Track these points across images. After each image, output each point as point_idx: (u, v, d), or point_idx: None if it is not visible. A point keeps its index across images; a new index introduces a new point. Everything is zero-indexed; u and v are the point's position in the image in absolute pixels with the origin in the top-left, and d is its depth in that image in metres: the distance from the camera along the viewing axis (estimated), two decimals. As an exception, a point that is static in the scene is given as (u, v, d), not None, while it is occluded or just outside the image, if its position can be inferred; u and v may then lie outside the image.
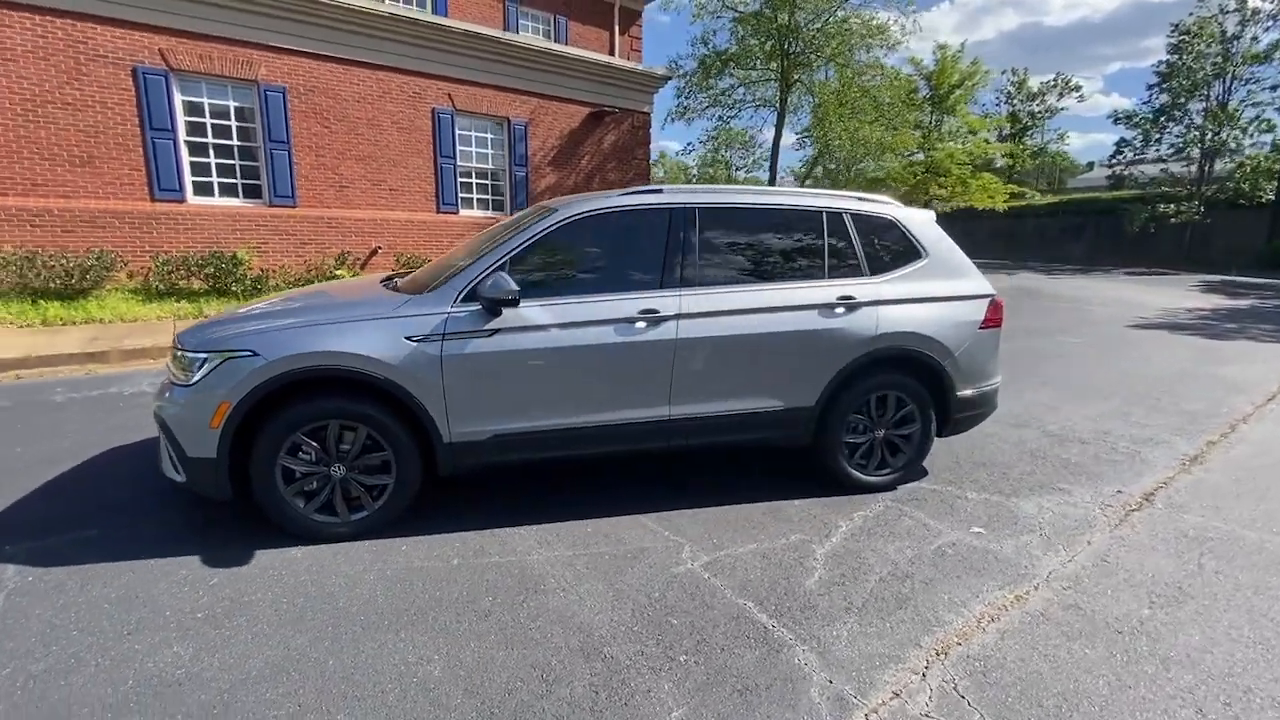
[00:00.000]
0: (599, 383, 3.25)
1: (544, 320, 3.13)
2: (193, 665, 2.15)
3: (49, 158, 8.57)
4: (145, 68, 8.98)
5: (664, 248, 3.40)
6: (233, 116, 9.87)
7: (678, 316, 3.30)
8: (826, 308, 3.51)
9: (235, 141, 9.93)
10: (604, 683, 2.12)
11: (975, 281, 3.90)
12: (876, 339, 3.58)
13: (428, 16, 11.24)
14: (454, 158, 11.86)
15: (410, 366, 2.96)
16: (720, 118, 23.60)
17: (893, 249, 3.83)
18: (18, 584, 2.61)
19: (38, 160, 8.51)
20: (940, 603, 2.62)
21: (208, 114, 9.68)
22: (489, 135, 12.40)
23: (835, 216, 3.70)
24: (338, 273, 10.15)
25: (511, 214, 12.34)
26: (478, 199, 12.54)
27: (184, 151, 9.52)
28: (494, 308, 3.04)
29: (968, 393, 3.83)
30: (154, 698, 2.00)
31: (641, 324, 3.24)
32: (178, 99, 9.36)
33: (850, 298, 3.57)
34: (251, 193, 10.20)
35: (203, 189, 9.82)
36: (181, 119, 9.44)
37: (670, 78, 15.48)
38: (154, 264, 8.86)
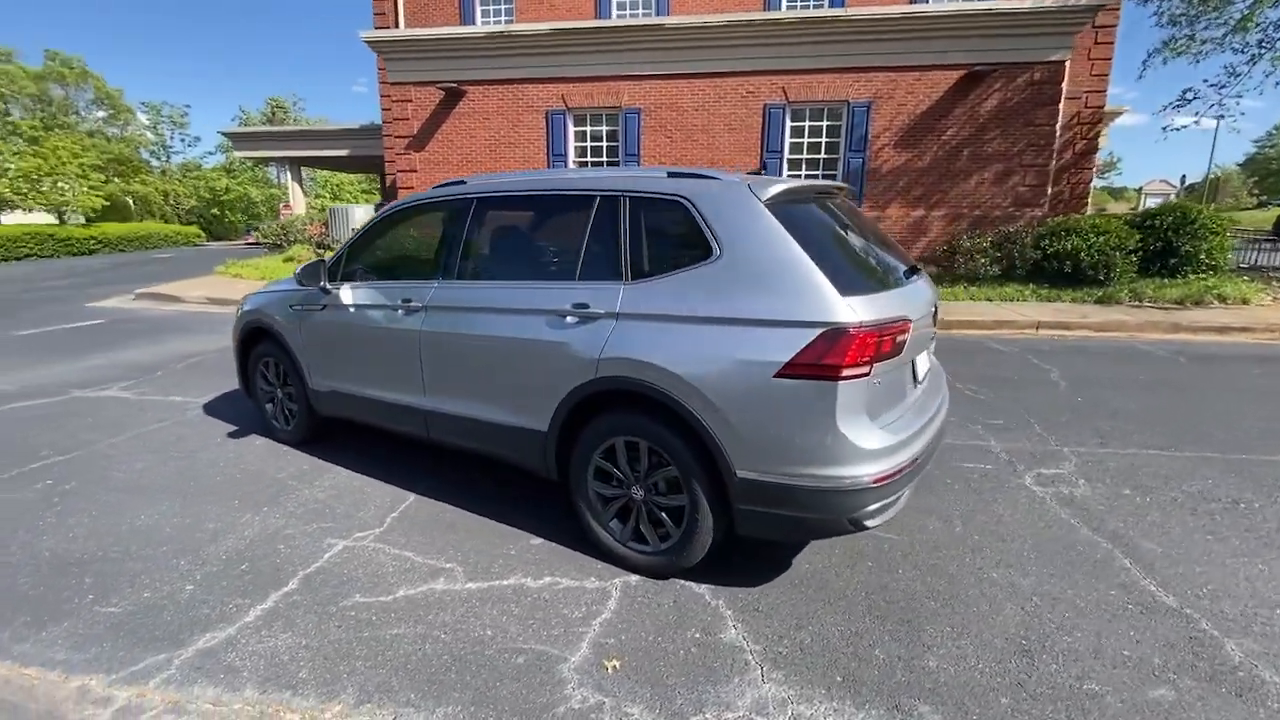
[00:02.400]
0: (374, 363, 3.55)
1: (347, 301, 3.64)
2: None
3: (499, 181, 12.92)
4: (552, 110, 12.38)
5: (442, 239, 3.36)
6: (604, 139, 12.55)
7: (425, 309, 3.26)
8: (557, 316, 2.76)
9: (604, 159, 12.61)
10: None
11: (794, 301, 2.26)
12: (600, 364, 2.61)
13: (760, 15, 11.41)
14: (781, 151, 11.78)
15: (289, 327, 3.99)
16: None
17: (676, 243, 2.61)
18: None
19: (493, 183, 12.95)
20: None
21: (589, 139, 12.60)
22: (823, 123, 11.72)
23: (610, 201, 2.78)
24: None
25: None
26: (806, 191, 12.09)
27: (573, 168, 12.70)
28: (324, 288, 3.74)
29: (752, 476, 2.33)
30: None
31: (400, 312, 3.36)
32: (571, 130, 12.53)
33: (585, 306, 2.69)
34: (613, 197, 12.75)
35: (582, 196, 12.91)
36: (573, 144, 12.61)
37: (1102, 5, 10.67)
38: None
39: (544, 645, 2.28)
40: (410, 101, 12.85)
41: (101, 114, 29.20)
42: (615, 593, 2.59)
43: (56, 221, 25.95)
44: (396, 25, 14.90)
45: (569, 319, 2.72)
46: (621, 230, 2.70)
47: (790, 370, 2.22)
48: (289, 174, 22.71)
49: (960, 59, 10.90)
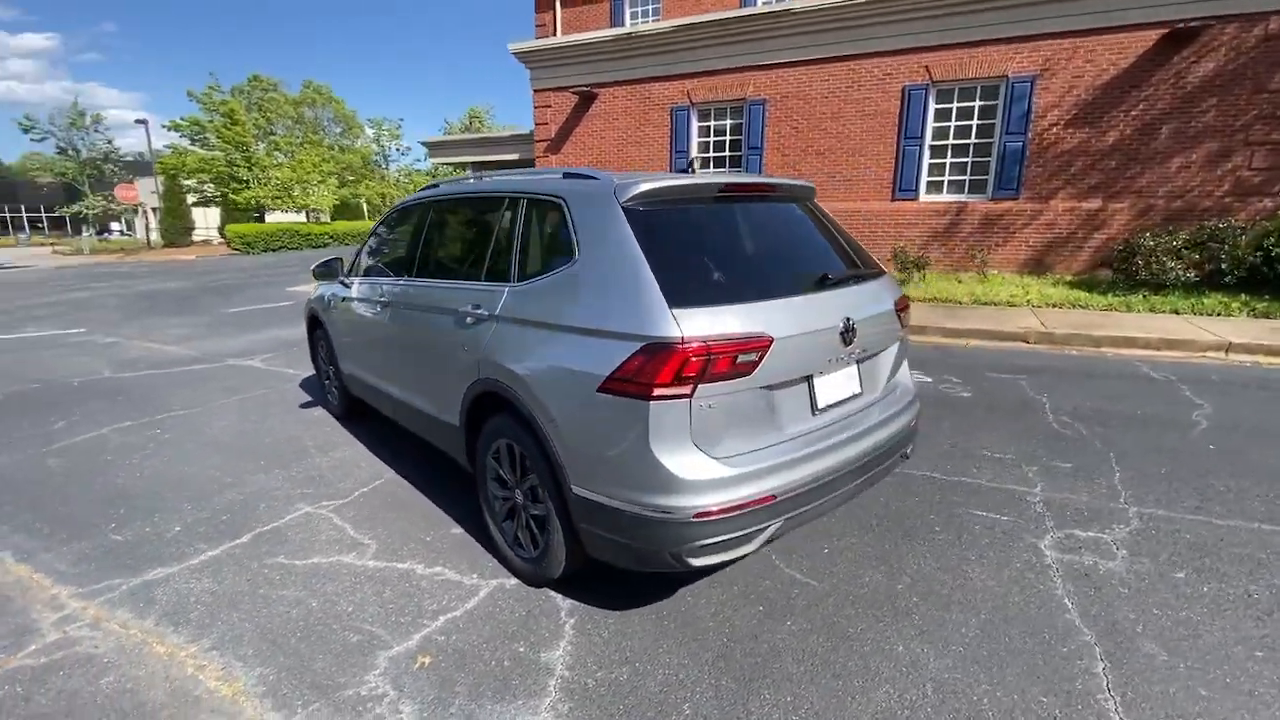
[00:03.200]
0: (368, 350, 3.91)
1: (352, 295, 4.04)
2: None
3: (624, 179, 13.26)
4: (677, 106, 12.38)
5: (409, 239, 3.59)
6: (728, 132, 12.25)
7: (390, 304, 3.51)
8: (460, 315, 2.81)
9: (727, 153, 12.33)
10: (155, 513, 3.38)
11: (623, 310, 2.04)
12: (480, 365, 2.61)
13: (901, -13, 10.24)
14: (920, 137, 10.53)
15: (328, 316, 4.55)
16: None
17: (551, 246, 2.50)
18: (284, 387, 5.86)
19: (619, 181, 13.31)
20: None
21: (712, 133, 12.40)
22: (974, 103, 10.24)
23: (513, 203, 2.75)
24: None
25: (993, 194, 10.08)
26: (950, 181, 10.70)
27: (694, 166, 12.59)
28: (344, 282, 4.20)
29: (586, 495, 2.17)
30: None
31: (378, 305, 3.66)
32: (695, 125, 12.43)
33: (479, 306, 2.70)
34: (734, 192, 12.43)
35: (704, 192, 12.77)
36: (695, 140, 12.51)
37: None
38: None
39: (382, 630, 2.38)
40: (550, 107, 13.69)
41: (339, 130, 35.78)
42: (483, 593, 2.61)
43: (303, 220, 32.16)
44: (555, 34, 15.94)
45: (468, 319, 2.77)
46: (515, 232, 2.69)
47: (609, 385, 2.05)
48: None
49: (1166, 15, 8.84)
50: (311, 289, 5.23)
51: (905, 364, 2.98)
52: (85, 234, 34.17)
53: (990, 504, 3.26)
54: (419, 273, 3.39)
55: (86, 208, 36.47)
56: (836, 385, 2.45)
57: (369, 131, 37.52)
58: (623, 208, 2.24)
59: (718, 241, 2.41)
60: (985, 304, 8.85)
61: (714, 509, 2.01)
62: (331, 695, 2.06)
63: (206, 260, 24.15)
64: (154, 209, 32.94)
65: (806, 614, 2.41)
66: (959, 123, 10.41)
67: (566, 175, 2.64)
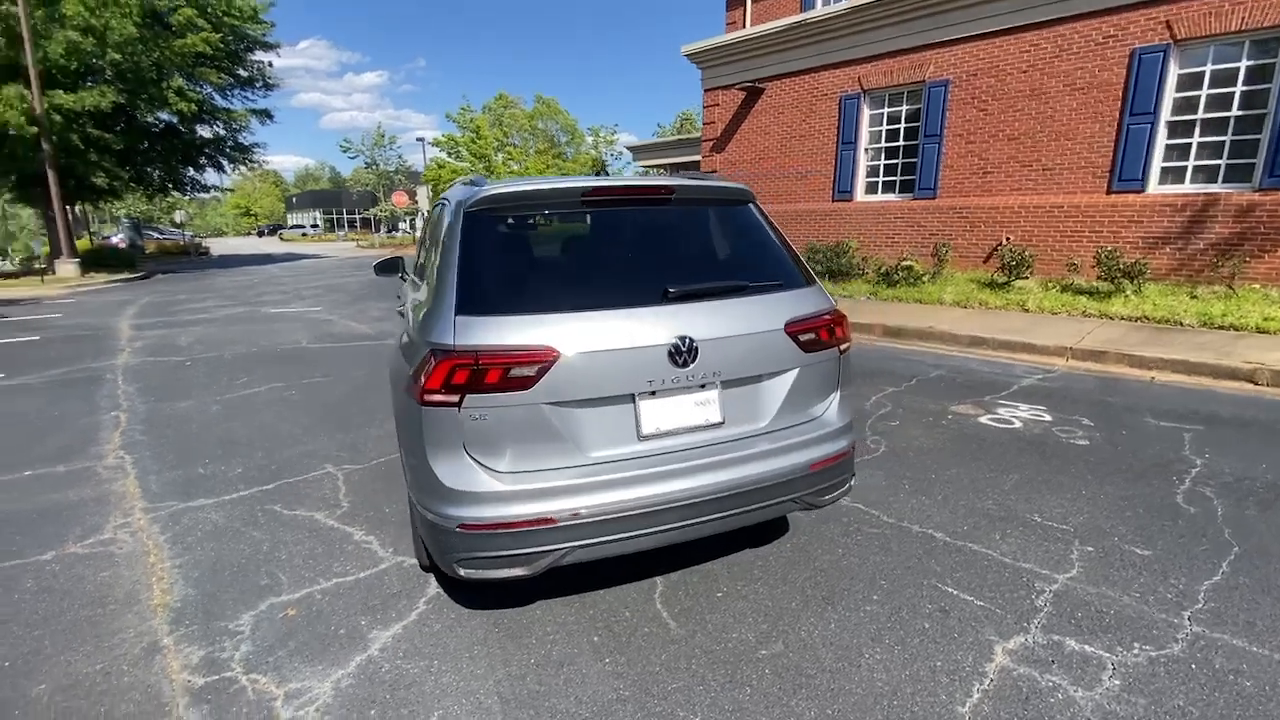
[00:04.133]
0: None
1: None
2: (324, 395, 5.73)
3: (787, 176, 12.66)
4: (846, 95, 11.43)
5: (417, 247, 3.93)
6: (903, 120, 10.97)
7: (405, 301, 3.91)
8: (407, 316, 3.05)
9: (902, 142, 11.05)
10: (239, 456, 4.28)
11: (430, 318, 2.09)
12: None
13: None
14: (1153, 113, 8.29)
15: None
16: None
17: (433, 248, 2.55)
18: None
19: (781, 179, 12.75)
20: (191, 560, 2.92)
21: (884, 122, 11.21)
22: (1238, 64, 7.73)
23: (440, 210, 2.87)
24: (906, 264, 9.97)
25: (1262, 183, 7.66)
26: (1195, 167, 8.25)
27: (861, 157, 11.55)
28: (402, 278, 4.76)
29: (409, 492, 2.23)
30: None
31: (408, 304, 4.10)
32: (866, 114, 11.36)
33: (404, 306, 2.90)
34: (908, 188, 11.12)
35: (872, 188, 11.63)
36: (865, 129, 11.43)
37: None
38: (806, 251, 11.71)
39: (285, 578, 2.74)
40: (717, 106, 13.63)
41: (564, 139, 39.80)
42: (383, 566, 2.83)
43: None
44: (744, 28, 15.79)
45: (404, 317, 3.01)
46: (428, 237, 2.85)
47: (407, 388, 2.11)
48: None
49: None
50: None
51: (835, 396, 2.50)
52: (378, 232, 43.11)
53: (977, 582, 2.57)
54: (413, 273, 3.74)
55: (379, 211, 45.81)
56: (677, 411, 2.17)
57: (589, 139, 41.08)
58: (465, 214, 2.26)
59: (546, 249, 2.31)
60: (1218, 327, 6.75)
61: (480, 523, 1.96)
62: (208, 624, 2.45)
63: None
64: (424, 212, 40.51)
65: (633, 658, 2.20)
66: (1213, 91, 7.98)
67: (462, 183, 2.72)
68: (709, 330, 2.16)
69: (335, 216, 65.50)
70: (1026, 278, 9.07)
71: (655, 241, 2.49)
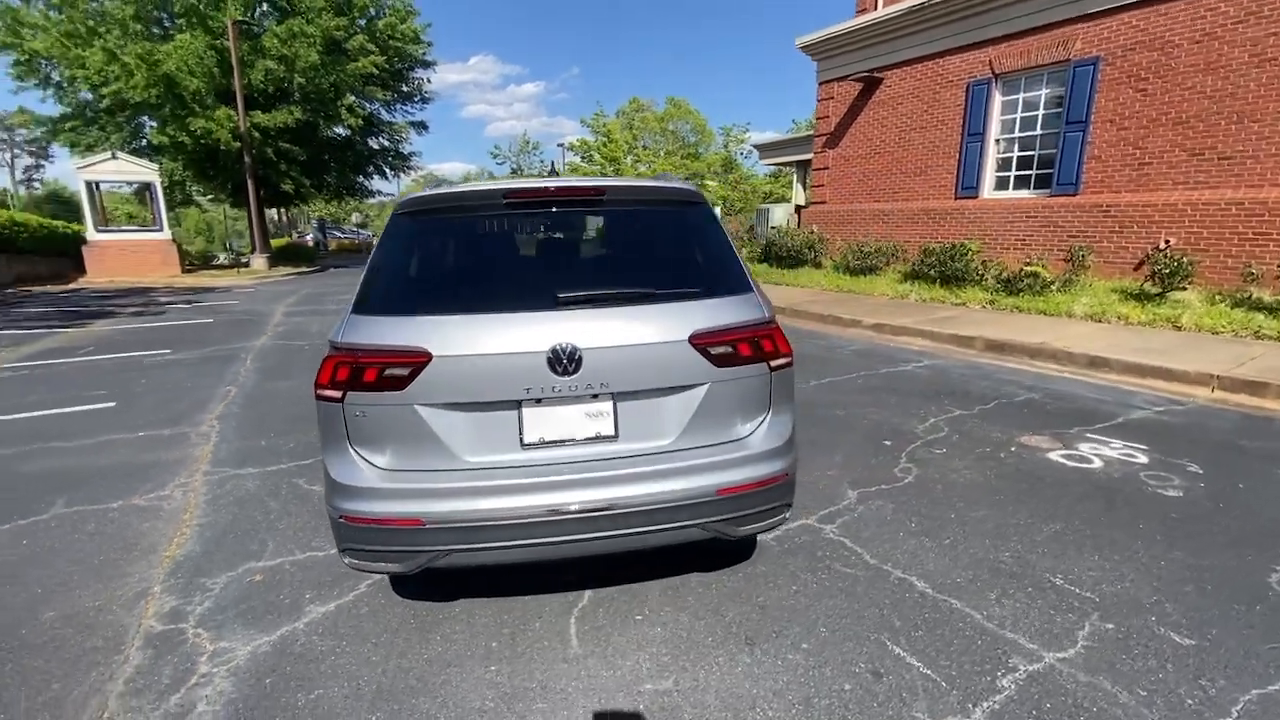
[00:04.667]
0: None
1: None
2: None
3: (903, 172, 11.65)
4: (975, 80, 10.28)
5: None
6: (1041, 105, 9.64)
7: None
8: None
9: (1039, 131, 9.72)
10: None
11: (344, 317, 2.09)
12: None
13: None
14: (1380, 83, 6.53)
15: None
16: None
17: None
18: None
19: (897, 175, 11.77)
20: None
21: (1019, 109, 9.92)
22: None
23: None
24: (1032, 270, 8.65)
25: None
26: None
27: (990, 149, 10.33)
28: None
29: None
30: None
31: None
32: (997, 100, 10.14)
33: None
34: (1043, 183, 9.77)
35: (1002, 183, 10.36)
36: (996, 119, 10.20)
37: None
38: (919, 253, 10.71)
39: (273, 545, 3.02)
40: (832, 99, 12.90)
41: (694, 139, 39.81)
42: (354, 546, 3.04)
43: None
44: (876, 9, 14.80)
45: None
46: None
47: (317, 381, 2.22)
48: (795, 175, 25.48)
49: None
50: None
51: (765, 417, 2.25)
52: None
53: (936, 648, 2.19)
54: None
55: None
56: (565, 421, 2.08)
57: (719, 139, 40.77)
58: (393, 216, 2.34)
59: (463, 252, 2.30)
60: None
61: (359, 516, 2.01)
62: (192, 579, 2.77)
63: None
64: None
65: (516, 670, 2.15)
66: None
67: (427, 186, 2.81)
68: (597, 339, 2.05)
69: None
70: (1184, 289, 7.58)
71: (572, 245, 2.42)
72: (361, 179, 29.58)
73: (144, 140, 22.31)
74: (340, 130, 25.81)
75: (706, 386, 2.16)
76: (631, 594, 2.56)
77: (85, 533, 3.22)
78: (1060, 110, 9.31)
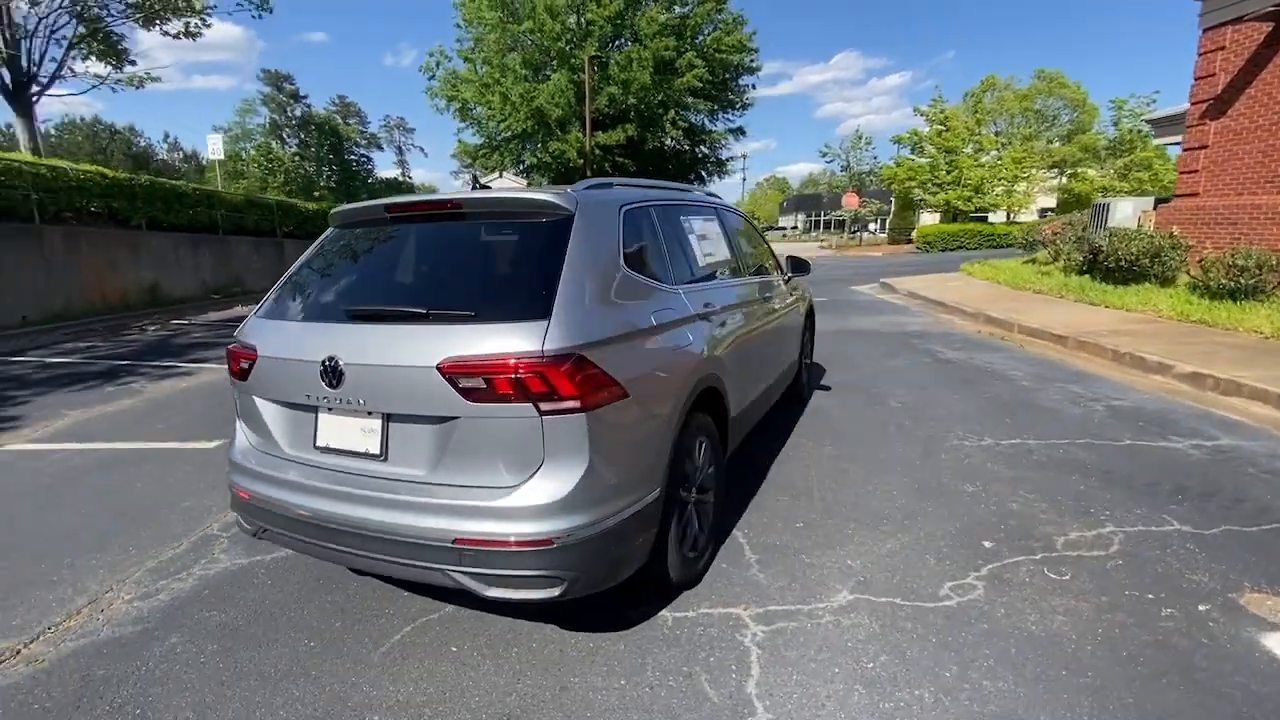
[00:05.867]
0: None
1: None
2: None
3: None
4: None
5: None
6: None
7: None
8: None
9: None
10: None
11: None
12: None
13: None
14: None
15: None
16: None
17: None
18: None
19: None
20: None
21: None
22: None
23: None
24: None
25: None
26: None
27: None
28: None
29: None
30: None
31: None
32: None
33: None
34: None
35: None
36: None
37: None
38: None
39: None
40: (1221, 50, 9.11)
41: (1067, 118, 31.76)
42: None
43: (1002, 220, 31.28)
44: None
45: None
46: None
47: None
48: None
49: None
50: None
51: (537, 469, 1.90)
52: (845, 234, 44.57)
53: None
54: None
55: (845, 213, 47.09)
56: (342, 431, 2.11)
57: (1106, 114, 31.95)
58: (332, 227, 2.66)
59: (323, 260, 2.45)
60: None
61: (236, 489, 2.38)
62: (206, 533, 3.63)
63: (884, 258, 27.70)
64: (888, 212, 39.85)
65: (313, 681, 2.28)
66: None
67: None
68: (359, 355, 2.02)
69: (816, 219, 70.30)
70: None
71: (410, 258, 2.38)
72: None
73: (523, 162, 28.55)
74: (667, 141, 28.65)
75: (459, 421, 1.94)
76: (484, 624, 2.43)
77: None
78: None
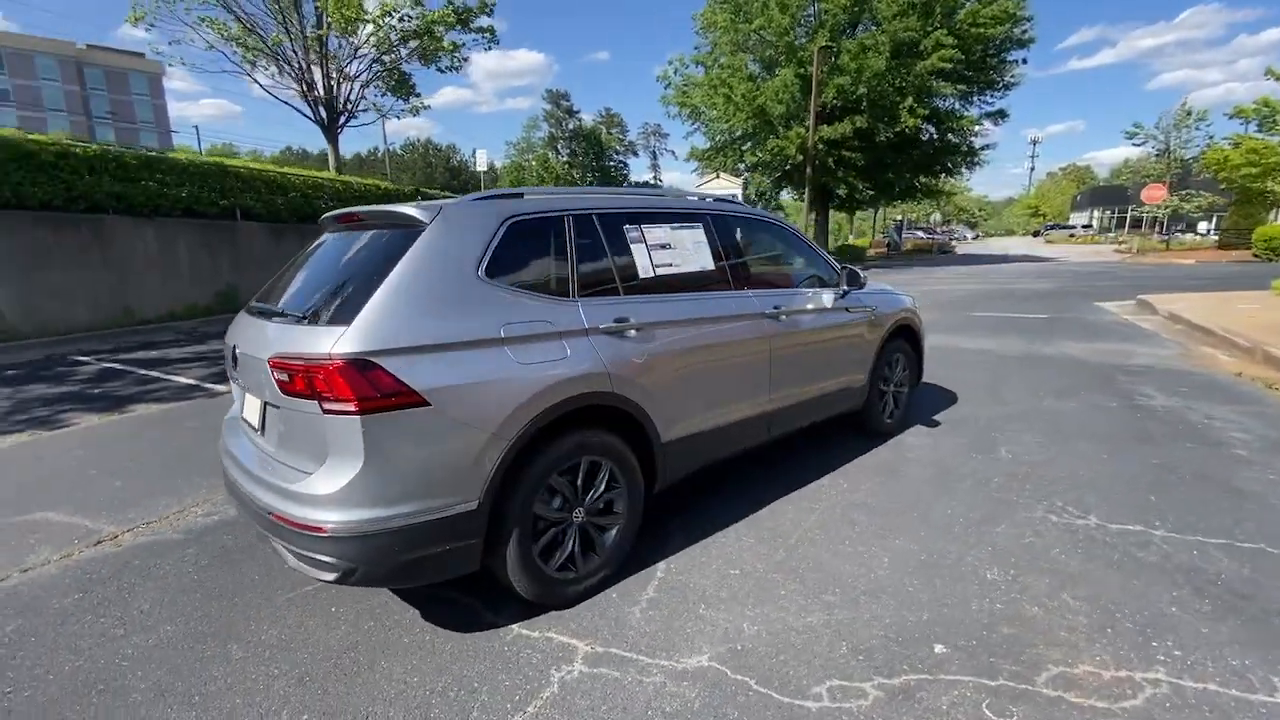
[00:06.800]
0: None
1: None
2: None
3: None
4: None
5: None
6: None
7: None
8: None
9: None
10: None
11: None
12: None
13: None
14: None
15: None
16: None
17: None
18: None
19: None
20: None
21: None
22: None
23: None
24: None
25: None
26: None
27: None
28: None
29: None
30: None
31: None
32: None
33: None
34: None
35: None
36: None
37: None
38: None
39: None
40: None
41: None
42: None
43: None
44: None
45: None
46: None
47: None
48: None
49: None
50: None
51: (325, 463, 2.10)
52: (1152, 234, 35.54)
53: None
54: None
55: (1150, 209, 37.37)
56: (250, 406, 2.55)
57: None
58: None
59: (296, 263, 2.84)
60: None
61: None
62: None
63: (1192, 266, 21.60)
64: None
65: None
66: None
67: None
68: (246, 346, 2.44)
69: (1116, 215, 57.05)
70: None
71: (314, 263, 2.67)
72: (925, 179, 28.93)
73: (743, 162, 28.44)
74: (903, 130, 25.91)
75: (281, 410, 2.22)
76: (370, 595, 2.72)
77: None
78: None
